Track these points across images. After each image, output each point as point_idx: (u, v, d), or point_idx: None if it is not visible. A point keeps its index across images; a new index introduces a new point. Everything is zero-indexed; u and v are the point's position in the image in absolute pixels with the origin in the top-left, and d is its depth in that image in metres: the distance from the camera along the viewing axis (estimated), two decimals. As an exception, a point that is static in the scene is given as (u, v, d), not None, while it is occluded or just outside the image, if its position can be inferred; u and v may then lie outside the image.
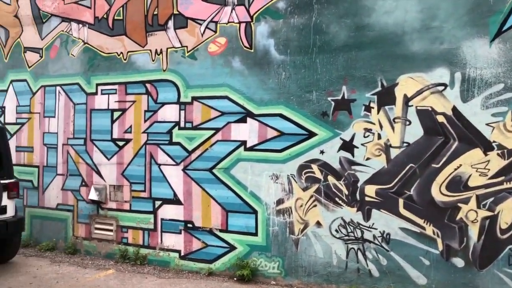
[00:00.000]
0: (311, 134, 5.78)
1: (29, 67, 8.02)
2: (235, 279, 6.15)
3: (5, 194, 6.30)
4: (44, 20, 7.85)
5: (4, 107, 8.30)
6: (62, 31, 7.67)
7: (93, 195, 7.21)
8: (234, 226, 6.26)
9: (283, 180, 5.96)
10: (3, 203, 6.22)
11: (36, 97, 7.95)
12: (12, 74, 8.21)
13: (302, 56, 5.85)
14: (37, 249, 7.65)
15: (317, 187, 5.73)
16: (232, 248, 6.26)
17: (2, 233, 6.22)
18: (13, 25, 8.17)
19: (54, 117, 7.75)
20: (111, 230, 7.17)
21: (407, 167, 5.28)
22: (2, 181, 6.20)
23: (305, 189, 5.83)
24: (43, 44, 7.87)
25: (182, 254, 6.60)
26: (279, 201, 5.98)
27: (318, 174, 5.73)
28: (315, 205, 5.75)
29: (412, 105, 5.27)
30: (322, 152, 5.70)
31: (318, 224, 5.73)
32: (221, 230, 6.35)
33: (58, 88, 7.72)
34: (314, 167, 5.75)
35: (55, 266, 6.78)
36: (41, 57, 7.89)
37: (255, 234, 6.12)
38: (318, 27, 5.76)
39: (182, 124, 6.63)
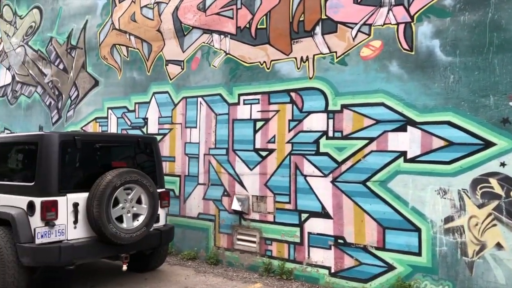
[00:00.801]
0: (488, 144, 5.13)
1: (171, 79, 8.24)
2: (394, 302, 5.65)
3: (158, 203, 6.40)
4: (185, 33, 8.03)
5: (147, 119, 8.62)
6: (204, 42, 7.77)
7: (236, 206, 7.15)
8: (392, 244, 5.77)
9: (452, 196, 5.36)
10: (155, 212, 6.33)
11: (177, 108, 8.14)
12: (154, 87, 8.50)
13: (475, 56, 5.23)
14: (179, 257, 7.78)
15: (497, 204, 5.06)
16: (390, 267, 5.77)
17: (157, 242, 6.32)
18: (156, 39, 8.47)
19: (195, 127, 7.86)
20: (254, 242, 7.04)
21: None
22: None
23: (480, 206, 5.17)
24: (185, 57, 8.05)
25: (333, 271, 6.24)
26: (448, 219, 5.38)
27: (498, 190, 5.05)
28: (494, 225, 5.07)
29: None
30: (503, 164, 5.02)
31: (499, 246, 5.04)
32: (377, 248, 5.89)
33: (199, 99, 7.82)
34: (493, 182, 5.08)
35: (201, 277, 6.79)
36: (183, 69, 8.07)
37: (418, 254, 5.57)
38: (496, 23, 5.11)
39: (330, 134, 6.31)
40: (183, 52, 8.08)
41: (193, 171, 7.85)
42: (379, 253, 5.87)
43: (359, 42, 6.09)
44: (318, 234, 6.39)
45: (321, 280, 6.33)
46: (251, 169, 7.11)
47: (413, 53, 5.67)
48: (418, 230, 5.58)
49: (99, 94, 9.52)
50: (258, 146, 7.05)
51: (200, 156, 7.78)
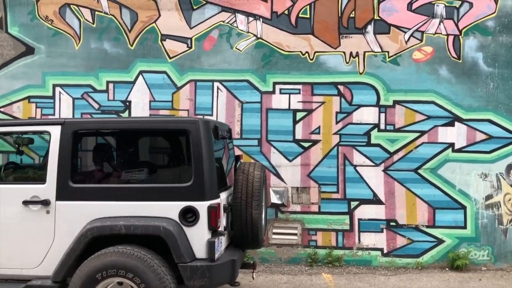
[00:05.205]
0: (521, 138, 6.75)
1: (170, 57, 7.08)
2: (447, 269, 6.74)
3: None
4: (195, 7, 7.04)
5: (129, 102, 7.13)
6: (222, 21, 7.03)
7: (274, 198, 6.87)
8: (441, 222, 6.81)
9: (491, 178, 6.77)
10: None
11: (182, 92, 7.07)
12: (142, 64, 7.10)
13: (510, 70, 6.76)
14: (195, 262, 6.86)
15: (527, 183, 6.74)
16: (440, 241, 6.81)
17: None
18: (145, 7, 7.08)
19: (210, 115, 7.04)
20: (295, 234, 6.93)
21: None
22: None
23: (513, 185, 6.78)
24: (193, 34, 7.06)
25: (385, 251, 6.85)
26: (488, 197, 6.78)
27: (528, 172, 6.74)
28: (524, 198, 6.75)
29: None
30: (532, 153, 6.72)
31: (528, 214, 6.74)
32: (427, 226, 6.82)
33: (216, 83, 7.04)
34: (524, 166, 6.75)
35: (261, 277, 6.31)
36: (189, 47, 7.06)
37: (464, 227, 6.79)
38: (526, 46, 6.76)
39: (382, 126, 6.87)
40: (191, 28, 7.07)
41: (208, 164, 7.01)
42: (429, 230, 6.82)
43: (412, 46, 6.86)
44: (369, 219, 6.88)
45: (374, 262, 6.85)
46: (290, 160, 6.95)
47: (460, 61, 6.81)
48: (463, 208, 6.79)
49: (35, 66, 7.18)
50: (298, 137, 6.96)
51: (218, 147, 7.01)
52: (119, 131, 4.43)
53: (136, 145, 4.58)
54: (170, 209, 4.08)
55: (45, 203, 4.18)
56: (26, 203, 4.21)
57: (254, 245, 4.72)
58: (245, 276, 5.96)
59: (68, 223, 4.16)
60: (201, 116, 6.93)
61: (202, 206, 4.08)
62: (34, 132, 4.74)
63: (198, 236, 4.07)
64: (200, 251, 4.07)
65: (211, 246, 4.03)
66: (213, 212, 4.09)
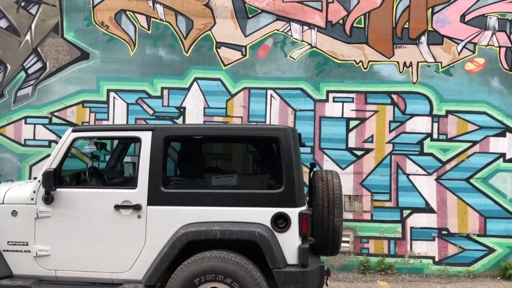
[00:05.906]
0: None
1: (225, 65, 7.17)
2: (498, 278, 6.81)
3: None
4: (250, 15, 7.15)
5: (184, 108, 7.20)
6: (277, 30, 7.13)
7: (327, 206, 6.93)
8: (492, 231, 6.89)
9: (543, 188, 6.88)
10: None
11: (236, 99, 7.15)
12: (197, 71, 7.19)
13: (561, 82, 6.88)
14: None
15: None
16: (491, 250, 6.88)
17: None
18: (201, 15, 7.18)
19: (263, 122, 7.11)
20: (347, 242, 6.99)
21: None
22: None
23: None
24: (248, 42, 7.16)
25: (437, 259, 6.91)
26: (539, 207, 6.88)
27: None
28: None
29: None
30: None
31: None
32: (478, 235, 6.90)
33: (270, 91, 7.13)
34: None
35: (315, 283, 6.37)
36: (244, 55, 7.16)
37: (515, 236, 6.88)
38: None
39: (435, 136, 6.97)
40: (246, 36, 7.16)
41: (260, 171, 7.10)
42: (480, 239, 6.90)
43: (464, 57, 6.96)
44: (421, 228, 6.95)
45: (425, 270, 6.92)
46: (343, 169, 7.03)
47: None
48: (515, 217, 6.89)
49: (90, 71, 7.26)
50: (351, 145, 7.04)
51: (271, 154, 7.09)
52: (209, 138, 4.51)
53: (224, 151, 4.65)
54: (262, 215, 4.15)
55: (137, 207, 4.24)
56: (117, 207, 4.27)
57: (333, 252, 4.78)
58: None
59: (159, 227, 4.22)
60: (255, 123, 7.04)
61: (293, 213, 4.15)
62: (124, 138, 4.81)
63: (289, 242, 4.14)
64: (291, 257, 4.14)
65: (304, 252, 4.10)
66: (304, 219, 4.17)
